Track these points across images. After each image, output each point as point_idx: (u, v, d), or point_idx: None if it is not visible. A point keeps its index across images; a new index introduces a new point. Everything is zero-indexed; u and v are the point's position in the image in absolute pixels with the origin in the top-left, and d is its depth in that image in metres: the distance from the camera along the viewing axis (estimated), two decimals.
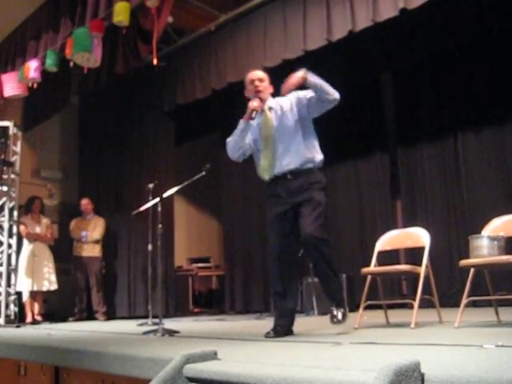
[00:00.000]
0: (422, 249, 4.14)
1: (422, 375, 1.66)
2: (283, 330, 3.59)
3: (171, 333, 4.29)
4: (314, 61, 6.16)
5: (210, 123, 8.96)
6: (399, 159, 7.43)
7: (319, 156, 3.77)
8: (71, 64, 6.30)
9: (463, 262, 3.73)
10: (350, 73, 7.00)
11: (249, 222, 8.94)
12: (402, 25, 5.87)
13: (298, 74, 3.56)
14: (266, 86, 3.85)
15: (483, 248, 3.58)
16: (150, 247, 6.16)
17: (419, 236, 4.30)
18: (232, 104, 8.01)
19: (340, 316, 3.59)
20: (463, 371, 1.64)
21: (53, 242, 7.82)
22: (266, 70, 6.25)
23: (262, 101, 3.79)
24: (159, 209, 5.00)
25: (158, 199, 5.07)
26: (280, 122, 3.77)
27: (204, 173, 4.97)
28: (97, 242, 7.96)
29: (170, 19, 6.78)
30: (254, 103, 3.71)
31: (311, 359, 2.32)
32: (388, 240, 4.51)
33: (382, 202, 7.53)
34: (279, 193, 3.74)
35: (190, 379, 2.29)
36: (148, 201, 5.76)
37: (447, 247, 6.70)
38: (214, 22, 7.17)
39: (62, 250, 8.20)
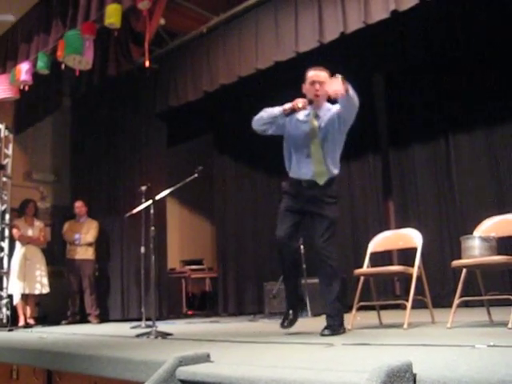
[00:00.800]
0: (414, 250, 4.16)
1: (414, 376, 1.67)
2: (295, 319, 3.91)
3: (164, 335, 4.28)
4: (305, 63, 6.19)
5: (202, 125, 8.96)
6: (391, 160, 7.46)
7: (338, 170, 3.86)
8: (63, 66, 6.29)
9: (455, 263, 3.75)
10: (341, 74, 7.00)
11: (242, 223, 8.95)
12: (393, 26, 5.90)
13: (342, 84, 3.50)
14: (325, 91, 3.72)
15: (475, 248, 3.60)
16: (142, 249, 6.15)
17: (411, 237, 4.32)
18: (224, 106, 8.03)
19: (327, 332, 3.57)
20: (455, 371, 1.65)
21: (45, 245, 7.79)
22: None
23: (315, 104, 3.76)
24: (152, 211, 5.00)
25: (150, 201, 5.06)
26: (320, 134, 3.77)
27: (196, 175, 4.97)
28: (90, 244, 7.93)
29: (162, 21, 6.79)
30: (299, 104, 3.65)
31: (304, 360, 2.32)
32: (380, 241, 4.53)
33: (374, 203, 7.55)
34: (294, 194, 3.84)
35: (183, 382, 2.29)
36: (141, 203, 5.75)
37: (439, 248, 6.72)
38: (206, 24, 7.17)
39: (55, 253, 8.18)
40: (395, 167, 7.41)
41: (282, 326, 3.90)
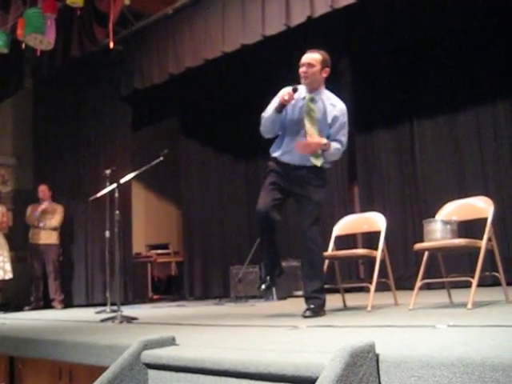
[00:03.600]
0: (378, 233, 4.22)
1: (377, 356, 1.70)
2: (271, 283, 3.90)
3: (129, 320, 4.26)
4: (272, 46, 6.18)
5: (168, 108, 8.88)
6: (356, 145, 7.52)
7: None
8: (23, 46, 6.12)
9: (417, 246, 3.82)
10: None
11: (208, 207, 8.93)
12: (360, 11, 5.91)
13: (320, 143, 3.61)
14: (314, 71, 3.71)
15: (437, 232, 3.67)
16: (107, 234, 6.08)
17: (375, 221, 4.38)
18: (190, 89, 7.95)
19: (309, 313, 3.56)
20: (416, 351, 1.68)
21: (7, 230, 7.62)
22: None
23: (309, 87, 3.72)
24: (116, 195, 4.93)
25: (115, 185, 4.99)
26: (317, 116, 3.72)
27: (162, 158, 4.92)
28: (54, 229, 7.80)
29: (127, 1, 6.66)
30: (285, 95, 3.61)
31: (269, 343, 2.34)
32: (345, 225, 4.57)
33: (339, 187, 7.62)
34: (281, 174, 3.76)
35: (148, 365, 2.28)
36: (105, 187, 5.67)
37: (403, 231, 6.85)
38: (172, 5, 7.06)
39: (17, 238, 8.01)
40: (360, 152, 7.49)
41: (259, 289, 3.96)
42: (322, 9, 5.56)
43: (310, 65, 3.70)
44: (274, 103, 3.73)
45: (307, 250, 3.70)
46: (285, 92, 3.63)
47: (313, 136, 3.67)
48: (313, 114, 3.70)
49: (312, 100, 3.73)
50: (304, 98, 3.74)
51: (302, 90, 3.74)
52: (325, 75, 3.77)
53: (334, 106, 3.78)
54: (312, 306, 3.58)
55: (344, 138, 3.80)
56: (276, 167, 3.81)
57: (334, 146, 3.72)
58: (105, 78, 8.15)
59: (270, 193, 3.73)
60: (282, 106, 3.66)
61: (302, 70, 3.72)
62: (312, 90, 3.76)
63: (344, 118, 3.81)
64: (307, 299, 3.68)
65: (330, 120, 3.74)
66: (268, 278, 3.90)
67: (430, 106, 6.90)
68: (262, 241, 3.92)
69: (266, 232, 3.81)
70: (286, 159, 3.76)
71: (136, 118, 8.43)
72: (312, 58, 3.72)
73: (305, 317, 3.51)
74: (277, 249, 3.94)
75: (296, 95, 3.67)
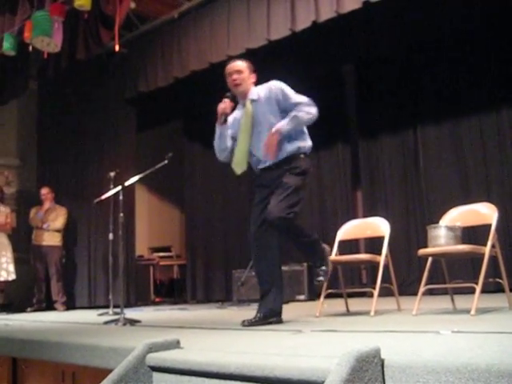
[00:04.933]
0: (381, 238, 4.22)
1: (382, 361, 1.70)
2: (260, 320, 3.48)
3: (132, 322, 4.26)
4: (277, 50, 6.20)
5: (172, 111, 8.89)
6: (360, 150, 7.53)
7: (304, 143, 3.63)
8: (30, 48, 6.14)
9: (421, 251, 3.82)
10: (312, 63, 7.03)
11: (211, 211, 8.94)
12: (365, 16, 5.93)
13: (273, 136, 3.45)
14: (244, 77, 3.63)
15: (441, 237, 3.67)
16: (110, 236, 6.09)
17: (379, 226, 4.38)
18: (195, 92, 7.97)
19: (321, 277, 3.56)
20: (421, 356, 1.69)
21: (11, 231, 7.64)
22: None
23: (241, 93, 3.64)
24: (121, 197, 4.94)
25: (119, 188, 5.00)
26: (262, 115, 3.59)
27: (166, 161, 4.93)
28: (58, 230, 7.81)
29: (133, 5, 6.67)
30: (221, 105, 3.58)
31: (273, 347, 2.34)
32: (348, 230, 4.58)
33: (342, 192, 7.63)
34: (263, 183, 3.67)
35: (153, 368, 2.28)
36: (109, 189, 5.68)
37: (406, 237, 6.84)
38: (178, 9, 7.08)
39: (21, 240, 8.02)
40: (364, 157, 7.49)
41: (242, 323, 3.49)
42: (327, 14, 5.58)
43: (238, 71, 3.64)
44: (216, 125, 3.68)
45: (281, 231, 3.48)
46: (221, 104, 3.60)
47: (242, 151, 3.64)
48: (248, 117, 3.61)
49: (252, 102, 3.62)
50: (244, 106, 3.66)
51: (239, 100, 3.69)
52: (253, 80, 3.69)
53: (267, 90, 3.62)
54: (318, 271, 3.58)
55: (298, 98, 3.54)
56: (258, 181, 3.74)
57: (292, 116, 3.48)
58: (110, 81, 8.18)
59: (255, 214, 3.64)
60: (223, 116, 3.60)
61: (232, 78, 3.64)
62: (245, 96, 3.65)
63: (280, 86, 3.59)
64: (313, 263, 3.64)
65: (275, 102, 3.58)
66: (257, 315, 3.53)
67: (433, 111, 6.90)
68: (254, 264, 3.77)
69: (253, 257, 3.72)
70: (261, 166, 3.68)
71: (140, 120, 8.46)
72: (238, 65, 3.67)
73: (318, 282, 3.55)
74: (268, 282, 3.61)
75: (238, 110, 3.68)
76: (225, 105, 3.59)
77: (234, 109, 3.72)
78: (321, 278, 3.56)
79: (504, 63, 6.30)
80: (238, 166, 3.69)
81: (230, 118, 3.72)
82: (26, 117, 9.16)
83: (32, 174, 9.00)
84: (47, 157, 8.94)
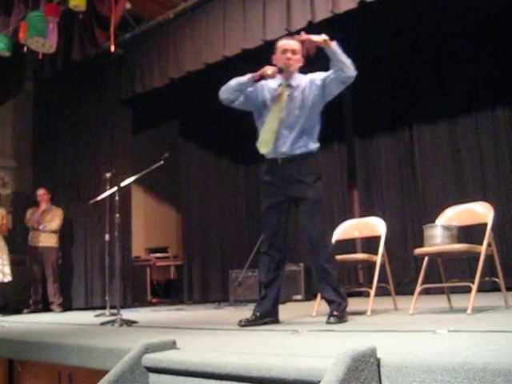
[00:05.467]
0: (378, 238, 4.23)
1: (378, 360, 1.70)
2: (258, 319, 3.49)
3: (129, 323, 4.25)
4: (273, 50, 6.19)
5: (168, 112, 8.88)
6: (356, 150, 7.54)
7: (316, 144, 3.69)
8: (25, 49, 6.13)
9: (418, 251, 3.83)
10: (308, 62, 7.03)
11: (207, 211, 8.93)
12: (360, 16, 5.93)
13: (323, 37, 3.41)
14: (297, 59, 3.57)
15: (437, 237, 3.68)
16: (107, 237, 6.09)
17: (375, 225, 4.39)
18: (191, 92, 7.96)
19: (333, 320, 3.34)
20: (417, 355, 1.69)
21: (7, 233, 7.62)
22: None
23: (286, 74, 3.57)
24: (117, 198, 4.93)
25: (115, 188, 4.99)
26: (292, 103, 3.56)
27: (162, 162, 4.92)
28: (54, 232, 7.79)
29: (128, 5, 6.67)
30: (268, 71, 3.46)
31: (270, 347, 2.34)
32: (345, 229, 4.58)
33: (339, 192, 7.63)
34: (272, 180, 3.62)
35: (149, 369, 2.28)
36: (105, 190, 5.68)
37: (403, 236, 6.85)
38: (173, 9, 7.08)
39: (17, 241, 8.00)
40: (360, 156, 7.50)
41: (239, 323, 3.49)
42: (322, 14, 5.59)
43: (294, 51, 3.57)
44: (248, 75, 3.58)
45: (318, 254, 3.51)
46: (269, 67, 3.52)
47: (269, 132, 3.57)
48: (283, 99, 3.57)
49: (288, 86, 3.60)
50: (280, 85, 3.61)
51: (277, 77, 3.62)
52: (300, 65, 3.65)
53: (309, 81, 3.62)
54: (335, 312, 3.37)
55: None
56: (265, 175, 3.66)
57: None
58: (105, 82, 8.16)
59: (270, 218, 3.62)
60: (260, 77, 3.53)
61: (286, 56, 3.55)
62: (289, 77, 3.61)
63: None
64: (330, 303, 3.48)
65: (320, 84, 3.58)
66: (255, 315, 3.53)
67: (429, 111, 6.91)
68: (260, 271, 3.71)
69: (270, 262, 3.63)
70: (271, 155, 3.61)
71: (136, 121, 8.45)
72: (295, 45, 3.58)
73: (329, 323, 3.29)
74: (278, 289, 3.65)
75: (272, 83, 3.61)
76: (272, 71, 3.48)
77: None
78: (331, 321, 3.33)
79: (500, 63, 6.32)
80: (264, 146, 3.59)
81: (261, 84, 3.64)
82: (21, 118, 9.14)
83: (28, 175, 8.98)
84: (43, 158, 8.92)
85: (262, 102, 3.66)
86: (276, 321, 3.57)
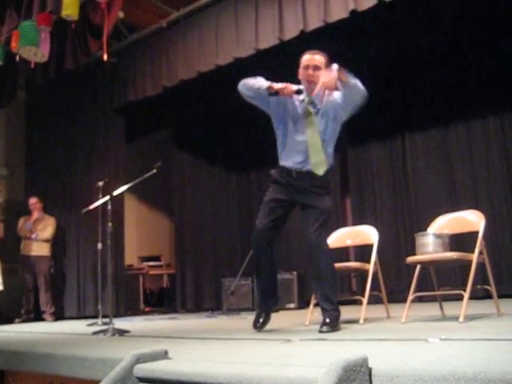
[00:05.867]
0: (370, 246, 4.24)
1: (370, 370, 1.70)
2: (267, 319, 3.69)
3: (121, 332, 4.24)
4: (265, 59, 6.22)
5: (161, 120, 8.89)
6: (349, 158, 7.56)
7: (333, 160, 3.68)
8: (17, 58, 6.12)
9: (410, 259, 3.83)
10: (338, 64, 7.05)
11: (200, 220, 8.92)
12: (352, 25, 5.97)
13: (340, 71, 3.38)
14: (319, 75, 3.47)
15: (429, 245, 3.69)
16: (99, 246, 6.07)
17: (368, 233, 4.40)
18: (183, 101, 7.98)
19: (325, 329, 3.31)
20: (409, 365, 1.69)
21: None
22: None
23: (309, 90, 3.53)
24: (109, 207, 4.92)
25: (108, 197, 4.98)
26: (319, 121, 3.56)
27: (155, 171, 4.92)
28: (46, 240, 7.75)
29: (121, 14, 6.69)
30: (284, 90, 3.44)
31: (262, 356, 2.34)
32: (337, 237, 4.58)
33: (331, 200, 7.63)
34: (283, 183, 3.61)
35: (141, 379, 2.27)
36: (98, 199, 5.66)
37: (395, 245, 6.87)
38: (166, 18, 7.10)
39: (9, 250, 7.96)
40: (352, 164, 7.52)
41: (255, 327, 3.69)
42: (314, 23, 5.62)
43: (316, 67, 3.52)
44: (270, 82, 3.51)
45: (316, 258, 3.50)
46: (289, 86, 3.47)
47: (314, 145, 3.54)
48: (312, 118, 3.55)
49: (311, 103, 3.56)
50: (303, 101, 3.57)
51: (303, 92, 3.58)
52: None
53: (334, 98, 3.60)
54: (328, 321, 3.35)
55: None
56: (278, 177, 3.64)
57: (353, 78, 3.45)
58: (98, 90, 8.16)
59: (270, 212, 3.61)
60: (275, 92, 3.46)
61: (308, 72, 3.52)
62: (312, 92, 3.55)
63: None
64: (323, 312, 3.45)
65: (336, 105, 3.57)
66: (263, 313, 3.69)
67: (421, 119, 6.96)
68: (257, 265, 3.74)
69: (261, 254, 3.66)
70: (288, 164, 3.59)
71: (129, 129, 8.44)
72: (318, 60, 3.54)
73: (321, 332, 3.28)
74: (274, 279, 3.80)
75: (296, 96, 3.56)
76: (288, 92, 3.46)
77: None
78: (324, 330, 3.31)
79: (492, 70, 6.37)
80: (320, 167, 3.55)
81: (281, 99, 3.57)
82: (13, 126, 9.12)
83: (20, 184, 8.94)
84: (35, 166, 8.89)
85: (281, 111, 3.62)
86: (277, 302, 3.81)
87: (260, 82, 3.54)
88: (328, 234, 3.67)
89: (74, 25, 5.88)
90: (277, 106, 3.62)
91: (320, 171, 3.54)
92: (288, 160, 3.59)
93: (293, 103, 3.60)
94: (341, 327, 3.43)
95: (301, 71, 3.59)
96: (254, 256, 3.75)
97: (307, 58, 3.58)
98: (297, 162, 3.56)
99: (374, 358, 1.76)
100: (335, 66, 3.40)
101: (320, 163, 3.54)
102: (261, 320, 3.69)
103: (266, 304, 3.75)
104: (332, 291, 3.51)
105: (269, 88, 3.47)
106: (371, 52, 6.84)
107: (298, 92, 3.51)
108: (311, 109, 3.56)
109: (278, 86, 3.48)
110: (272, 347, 2.74)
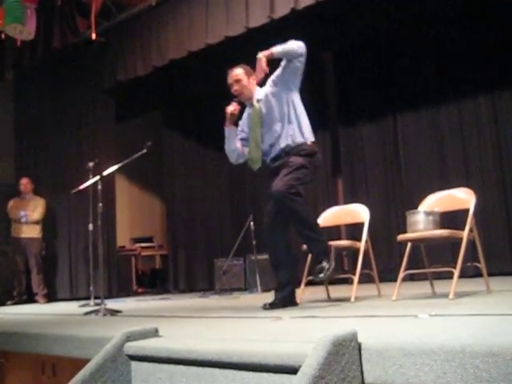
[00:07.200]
0: (361, 225, 4.24)
1: (359, 344, 1.71)
2: (280, 303, 3.63)
3: (113, 312, 4.25)
4: (255, 38, 6.16)
5: (151, 100, 8.82)
6: (340, 137, 7.54)
7: (309, 134, 3.85)
8: (3, 36, 6.03)
9: (401, 237, 3.84)
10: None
11: (192, 200, 8.91)
12: (343, 4, 5.92)
13: (261, 58, 3.60)
14: (244, 85, 3.80)
15: (419, 223, 3.70)
16: (90, 227, 6.05)
17: (359, 212, 4.40)
18: (174, 81, 7.91)
19: (322, 274, 3.50)
20: (398, 339, 1.70)
21: None
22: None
23: (246, 98, 3.82)
24: (99, 187, 4.90)
25: (98, 177, 4.95)
26: (270, 110, 3.75)
27: (145, 150, 4.88)
28: (37, 222, 7.73)
29: None
30: (230, 108, 3.76)
31: (252, 333, 2.35)
32: (329, 216, 4.58)
33: (323, 180, 7.63)
34: (274, 172, 3.76)
35: (131, 357, 2.27)
36: (88, 179, 5.63)
37: (386, 223, 6.89)
38: None
39: None
40: (344, 144, 7.50)
41: (264, 307, 3.64)
42: (306, 1, 5.56)
43: (237, 81, 3.80)
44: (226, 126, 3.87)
45: (284, 207, 3.55)
46: (229, 107, 3.78)
47: (256, 149, 3.80)
48: (258, 113, 3.79)
49: (258, 101, 3.81)
50: (251, 107, 3.84)
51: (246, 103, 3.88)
52: (254, 81, 3.83)
53: (269, 85, 3.80)
54: (318, 264, 3.52)
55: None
56: (267, 170, 3.86)
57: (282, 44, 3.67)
58: (87, 70, 8.06)
59: (268, 206, 3.77)
60: (231, 119, 3.80)
61: (233, 89, 3.82)
62: (250, 99, 3.84)
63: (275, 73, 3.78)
64: (314, 258, 3.67)
65: (276, 88, 3.76)
66: (276, 301, 3.66)
67: (412, 98, 6.93)
68: (272, 262, 3.86)
69: (272, 248, 3.81)
70: (271, 155, 3.82)
71: (119, 110, 8.38)
72: (236, 74, 3.82)
73: (316, 278, 3.53)
74: (291, 275, 3.79)
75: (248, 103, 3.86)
76: (233, 107, 3.77)
77: (241, 111, 3.90)
78: (321, 276, 3.49)
79: (483, 51, 6.33)
80: (255, 164, 3.84)
81: (241, 121, 3.91)
82: (2, 108, 9.01)
83: (10, 166, 8.87)
84: (25, 148, 8.82)
85: (247, 125, 3.93)
86: (295, 304, 3.74)
87: (226, 140, 3.90)
88: (297, 187, 3.57)
89: (60, 2, 5.79)
90: (245, 125, 3.91)
91: (255, 166, 3.83)
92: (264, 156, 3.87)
93: (244, 121, 3.92)
94: (333, 264, 3.55)
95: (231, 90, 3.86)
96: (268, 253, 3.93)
97: (228, 78, 3.86)
98: (267, 154, 3.83)
99: (364, 332, 1.76)
100: (258, 55, 3.63)
101: (255, 160, 3.81)
102: (268, 305, 3.64)
103: (277, 296, 3.73)
104: (314, 235, 3.62)
105: (226, 126, 3.85)
106: (362, 33, 6.79)
107: (238, 101, 3.82)
108: (256, 103, 3.81)
109: (227, 117, 3.83)
110: (263, 324, 2.75)
